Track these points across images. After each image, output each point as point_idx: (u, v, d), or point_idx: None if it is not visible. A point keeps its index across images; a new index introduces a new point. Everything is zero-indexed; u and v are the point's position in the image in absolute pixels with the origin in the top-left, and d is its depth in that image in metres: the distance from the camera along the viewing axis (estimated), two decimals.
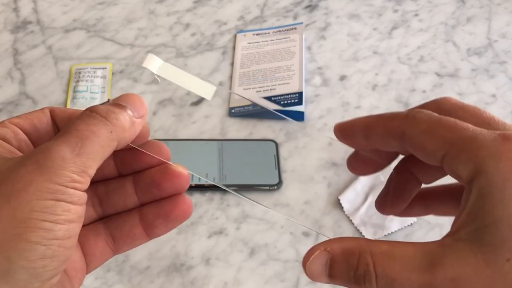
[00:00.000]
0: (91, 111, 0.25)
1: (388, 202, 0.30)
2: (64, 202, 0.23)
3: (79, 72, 0.67)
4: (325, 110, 0.64)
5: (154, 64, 0.28)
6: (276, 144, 0.60)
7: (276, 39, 0.71)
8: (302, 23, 0.73)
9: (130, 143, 0.27)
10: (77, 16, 0.74)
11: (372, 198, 0.56)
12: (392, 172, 0.30)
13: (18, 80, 0.67)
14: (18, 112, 0.64)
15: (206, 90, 0.29)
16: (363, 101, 0.65)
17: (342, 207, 0.56)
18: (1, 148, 0.25)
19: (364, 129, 0.27)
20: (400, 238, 0.54)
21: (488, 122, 0.25)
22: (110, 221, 0.30)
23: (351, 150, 0.30)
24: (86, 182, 0.24)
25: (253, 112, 0.63)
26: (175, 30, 0.73)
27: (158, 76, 0.29)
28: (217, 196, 0.57)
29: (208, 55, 0.70)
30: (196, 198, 0.57)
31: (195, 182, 0.56)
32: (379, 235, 0.54)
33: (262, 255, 0.53)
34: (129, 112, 0.26)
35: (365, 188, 0.56)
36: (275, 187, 0.57)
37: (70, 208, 0.23)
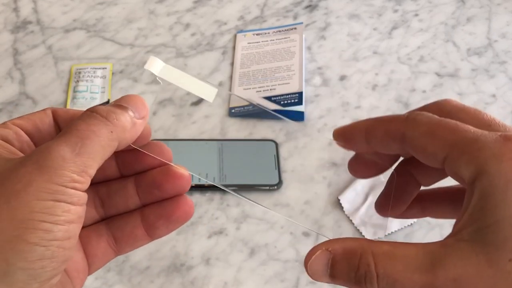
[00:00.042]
0: (92, 111, 0.25)
1: (388, 204, 0.30)
2: (64, 202, 0.23)
3: (79, 72, 0.67)
4: (325, 110, 0.64)
5: (156, 66, 0.28)
6: (276, 144, 0.60)
7: (276, 39, 0.71)
8: (302, 23, 0.73)
9: (132, 144, 0.27)
10: (77, 16, 0.74)
11: (372, 198, 0.56)
12: (391, 174, 0.30)
13: (18, 80, 0.67)
14: (18, 112, 0.64)
15: (207, 92, 0.29)
16: (363, 101, 0.65)
17: (342, 207, 0.56)
18: (2, 149, 0.25)
19: (365, 132, 0.27)
20: (400, 238, 0.54)
21: (488, 123, 0.25)
22: (112, 222, 0.30)
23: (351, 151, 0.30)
24: (86, 182, 0.24)
25: (253, 112, 0.63)
26: (175, 30, 0.73)
27: (160, 78, 0.29)
28: (217, 196, 0.57)
29: (208, 55, 0.70)
30: (196, 198, 0.57)
31: (195, 182, 0.56)
32: (379, 235, 0.54)
33: (262, 255, 0.53)
34: (130, 113, 0.26)
35: (365, 188, 0.56)
36: (275, 187, 0.57)
37: (70, 209, 0.23)
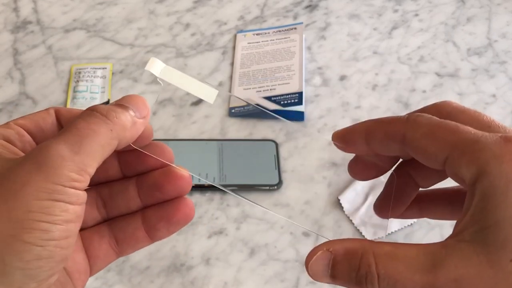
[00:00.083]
0: (92, 110, 0.25)
1: (387, 205, 0.30)
2: (62, 202, 0.23)
3: (79, 72, 0.67)
4: (325, 110, 0.64)
5: (157, 67, 0.28)
6: (276, 144, 0.60)
7: (276, 39, 0.71)
8: (302, 23, 0.73)
9: (133, 144, 0.27)
10: (77, 16, 0.74)
11: (372, 198, 0.56)
12: (391, 176, 0.30)
13: (18, 80, 0.67)
14: (18, 112, 0.64)
15: (208, 93, 0.29)
16: (363, 101, 0.65)
17: (342, 207, 0.56)
18: (3, 149, 0.25)
19: (365, 134, 0.27)
20: (400, 238, 0.54)
21: (488, 125, 0.25)
22: (114, 223, 0.30)
23: None
24: (85, 181, 0.24)
25: (253, 112, 0.63)
26: (175, 30, 0.73)
27: (161, 80, 0.29)
28: (217, 196, 0.57)
29: (208, 55, 0.70)
30: (196, 198, 0.57)
31: (195, 182, 0.56)
32: (379, 235, 0.54)
33: (262, 255, 0.53)
34: (131, 112, 0.26)
35: (365, 188, 0.56)
36: (275, 187, 0.57)
37: (68, 208, 0.23)
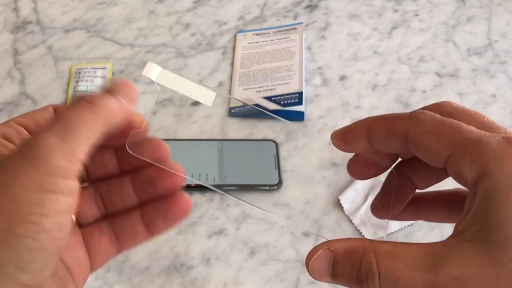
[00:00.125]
0: (79, 99, 0.25)
1: (385, 205, 0.30)
2: (53, 193, 0.22)
3: (79, 72, 0.67)
4: (325, 110, 0.64)
5: (154, 72, 0.29)
6: (276, 144, 0.60)
7: (276, 39, 0.71)
8: (302, 23, 0.73)
9: (130, 150, 0.28)
10: (77, 16, 0.74)
11: (372, 198, 0.56)
12: (389, 175, 0.30)
13: (18, 80, 0.67)
14: (18, 112, 0.64)
15: (205, 96, 0.29)
16: (363, 101, 0.65)
17: (342, 207, 0.56)
18: (3, 147, 0.25)
19: (366, 130, 0.27)
20: (400, 238, 0.54)
21: (489, 126, 0.25)
22: (113, 220, 0.30)
23: None
24: (76, 168, 0.23)
25: (253, 112, 0.63)
26: (175, 30, 0.73)
27: (158, 84, 0.29)
28: (217, 196, 0.57)
29: (208, 55, 0.70)
30: (196, 198, 0.57)
31: (195, 182, 0.56)
32: (379, 235, 0.54)
33: (262, 255, 0.53)
34: (118, 97, 0.26)
35: (365, 188, 0.56)
36: (275, 187, 0.57)
37: (60, 200, 0.23)
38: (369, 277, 0.23)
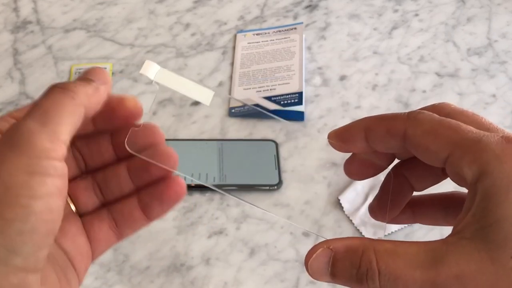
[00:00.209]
0: (52, 86, 0.25)
1: (383, 207, 0.30)
2: (40, 175, 0.23)
3: (79, 72, 0.67)
4: (325, 110, 0.64)
5: (152, 70, 0.29)
6: (276, 144, 0.60)
7: (276, 39, 0.71)
8: (302, 23, 0.73)
9: (129, 149, 0.28)
10: (77, 16, 0.74)
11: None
12: (386, 176, 0.30)
13: (18, 80, 0.67)
14: None
15: (204, 95, 0.29)
16: (363, 101, 0.65)
17: (342, 207, 0.56)
18: None
19: (364, 130, 0.27)
20: (400, 238, 0.54)
21: (487, 127, 0.25)
22: (112, 207, 0.30)
23: None
24: (60, 149, 0.23)
25: (253, 112, 0.63)
26: (175, 30, 0.73)
27: (156, 83, 0.29)
28: (217, 196, 0.57)
29: (208, 55, 0.70)
30: (196, 198, 0.57)
31: (195, 182, 0.56)
32: (379, 235, 0.54)
33: (262, 255, 0.53)
34: (91, 81, 0.26)
35: (365, 188, 0.56)
36: (275, 187, 0.57)
37: (46, 181, 0.23)
38: (369, 275, 0.23)
